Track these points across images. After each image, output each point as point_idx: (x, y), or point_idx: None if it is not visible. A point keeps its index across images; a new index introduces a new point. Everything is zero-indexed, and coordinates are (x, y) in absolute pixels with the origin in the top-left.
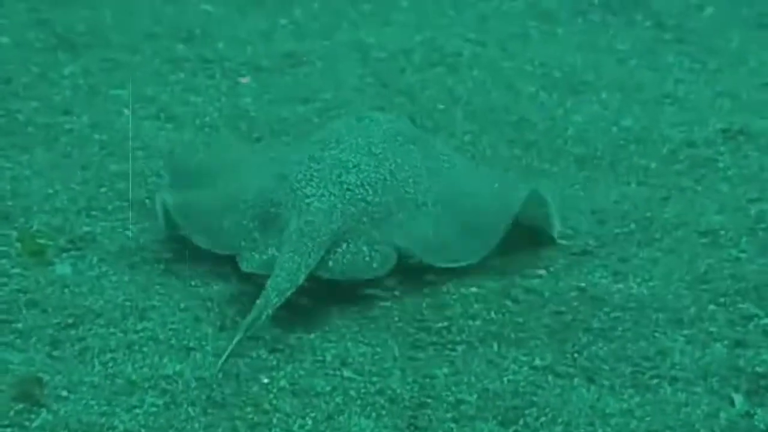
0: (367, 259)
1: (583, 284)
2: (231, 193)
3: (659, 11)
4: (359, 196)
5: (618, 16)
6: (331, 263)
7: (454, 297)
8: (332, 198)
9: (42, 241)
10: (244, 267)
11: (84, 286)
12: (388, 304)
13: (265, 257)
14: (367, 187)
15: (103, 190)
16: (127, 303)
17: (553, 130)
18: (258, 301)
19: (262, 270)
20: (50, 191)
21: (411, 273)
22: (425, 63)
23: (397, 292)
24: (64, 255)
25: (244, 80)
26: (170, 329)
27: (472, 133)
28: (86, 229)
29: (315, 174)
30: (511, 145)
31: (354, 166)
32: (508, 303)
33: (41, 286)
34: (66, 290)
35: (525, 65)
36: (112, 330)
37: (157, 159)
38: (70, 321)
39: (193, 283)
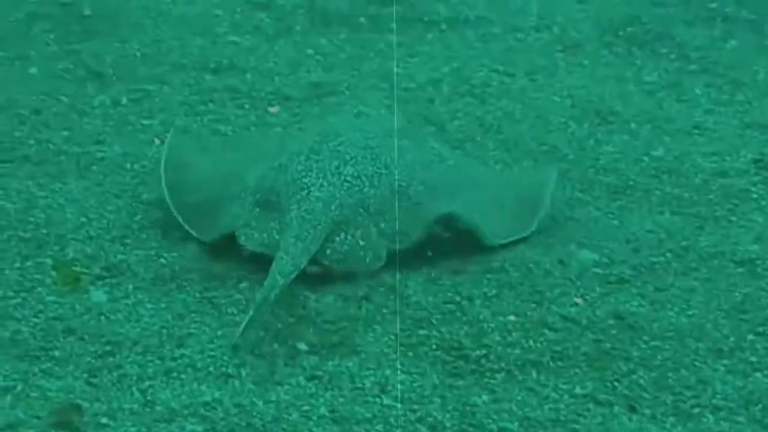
0: (362, 253)
1: (621, 313)
2: (232, 180)
3: (683, 44)
4: (356, 188)
5: (643, 48)
6: (329, 252)
7: (491, 325)
8: (331, 188)
9: (77, 269)
10: (243, 242)
11: (120, 314)
12: (425, 332)
13: (264, 236)
14: (364, 179)
15: (136, 218)
16: (164, 330)
17: (585, 159)
18: (265, 283)
19: (259, 248)
20: (84, 219)
21: (447, 300)
22: (454, 93)
23: (434, 320)
24: (100, 283)
25: (273, 110)
26: (208, 356)
27: (504, 162)
28: (121, 257)
29: (315, 165)
30: None
31: (352, 159)
32: (546, 331)
33: (78, 314)
34: (102, 318)
35: (553, 96)
36: (149, 357)
37: None
38: (107, 348)
39: (229, 310)
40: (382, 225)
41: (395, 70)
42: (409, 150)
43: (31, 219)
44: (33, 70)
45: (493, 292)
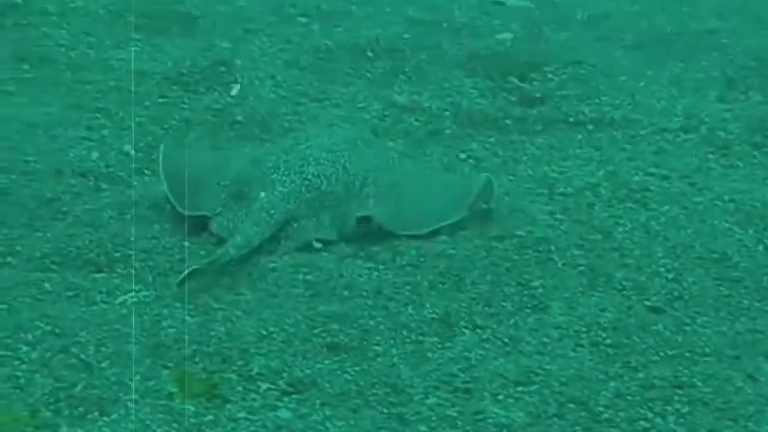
0: (314, 237)
1: None
2: (214, 172)
3: None
4: (315, 185)
5: None
6: (282, 240)
7: None
8: (292, 184)
9: (263, 384)
10: (214, 229)
11: (311, 431)
12: None
13: (231, 224)
14: (323, 178)
15: (315, 330)
16: None
17: (758, 267)
18: (219, 251)
19: (226, 234)
20: (264, 332)
21: (640, 416)
22: (613, 198)
23: None
24: (286, 399)
25: None
26: None
27: (675, 271)
28: (307, 371)
29: (282, 164)
30: (716, 284)
31: (315, 160)
32: None
33: (269, 431)
34: None
35: (714, 200)
36: None
37: (361, 298)
38: None
39: (420, 428)
40: (334, 217)
41: (552, 174)
42: (367, 156)
43: (213, 333)
44: None
45: (686, 408)
